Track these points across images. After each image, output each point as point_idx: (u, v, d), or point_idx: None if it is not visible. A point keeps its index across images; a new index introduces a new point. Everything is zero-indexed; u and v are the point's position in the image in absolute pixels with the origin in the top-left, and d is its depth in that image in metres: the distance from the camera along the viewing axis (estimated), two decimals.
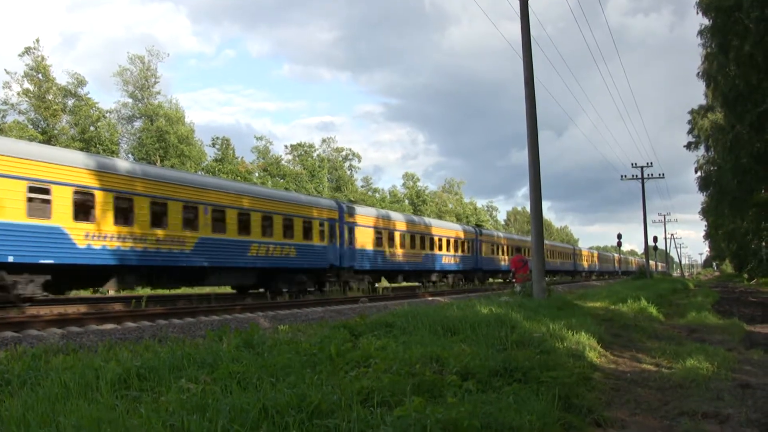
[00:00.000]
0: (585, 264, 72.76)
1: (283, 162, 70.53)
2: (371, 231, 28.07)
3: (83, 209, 15.41)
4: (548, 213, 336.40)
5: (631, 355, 9.45)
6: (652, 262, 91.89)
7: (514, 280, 21.33)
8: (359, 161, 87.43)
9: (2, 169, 13.82)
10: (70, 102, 48.69)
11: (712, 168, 51.42)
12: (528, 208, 18.30)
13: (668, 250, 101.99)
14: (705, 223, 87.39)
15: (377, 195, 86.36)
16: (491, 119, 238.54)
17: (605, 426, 5.49)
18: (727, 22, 31.90)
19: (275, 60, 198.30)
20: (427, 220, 37.24)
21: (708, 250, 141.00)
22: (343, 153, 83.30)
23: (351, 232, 26.48)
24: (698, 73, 39.62)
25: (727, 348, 10.30)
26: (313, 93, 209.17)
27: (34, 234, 14.12)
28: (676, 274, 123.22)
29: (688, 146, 54.76)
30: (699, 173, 54.26)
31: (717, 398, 6.59)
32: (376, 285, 29.87)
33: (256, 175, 64.98)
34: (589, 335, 9.39)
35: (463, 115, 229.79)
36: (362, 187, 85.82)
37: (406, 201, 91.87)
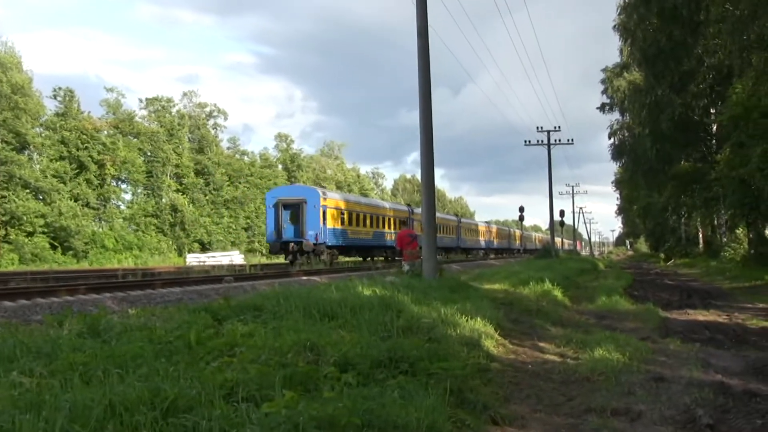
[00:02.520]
0: (481, 239, 74.99)
1: (137, 119, 68.57)
2: (337, 212, 39.04)
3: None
4: (441, 182, 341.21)
5: (533, 344, 9.95)
6: (558, 240, 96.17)
7: (400, 258, 22.07)
8: (225, 119, 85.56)
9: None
10: None
11: (627, 134, 54.22)
12: (419, 176, 18.79)
13: (576, 226, 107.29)
14: (618, 195, 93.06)
15: (246, 158, 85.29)
16: (379, 73, 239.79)
17: (503, 424, 5.72)
18: None
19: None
20: (379, 201, 47.94)
21: (621, 226, 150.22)
22: (207, 109, 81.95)
23: (324, 213, 37.09)
24: (614, 26, 40.77)
25: (640, 337, 10.92)
26: (173, 39, 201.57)
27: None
28: (585, 252, 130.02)
29: (602, 108, 57.25)
30: (612, 140, 57.06)
31: (628, 393, 6.93)
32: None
33: (105, 133, 62.53)
34: (485, 321, 9.95)
35: (347, 68, 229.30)
36: (229, 149, 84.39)
37: (279, 166, 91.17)
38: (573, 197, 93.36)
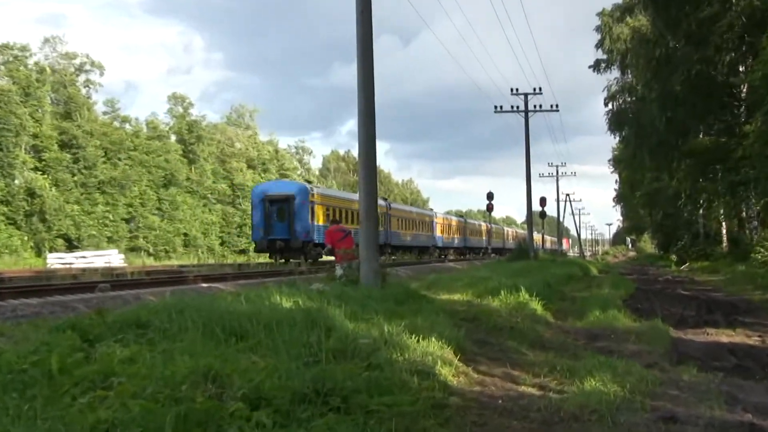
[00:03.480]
0: (438, 236, 75.73)
1: None
2: (324, 208, 46.18)
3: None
4: (386, 160, 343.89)
5: (505, 373, 10.07)
6: (537, 236, 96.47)
7: (324, 256, 22.46)
8: (101, 75, 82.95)
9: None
10: None
11: (629, 98, 54.91)
12: (356, 152, 18.91)
13: (562, 218, 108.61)
14: (617, 178, 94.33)
15: (128, 127, 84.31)
16: (304, 17, 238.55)
17: None
18: None
19: None
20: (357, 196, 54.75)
21: (620, 219, 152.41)
22: (77, 61, 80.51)
23: (312, 210, 44.06)
24: None
25: (644, 363, 10.99)
26: None
27: None
28: (573, 253, 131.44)
29: (596, 66, 57.91)
30: (610, 106, 57.70)
31: None
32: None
33: None
34: (442, 342, 10.10)
35: (263, 10, 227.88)
36: (105, 114, 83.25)
37: (173, 137, 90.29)
38: (558, 181, 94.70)
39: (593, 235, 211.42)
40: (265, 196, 43.45)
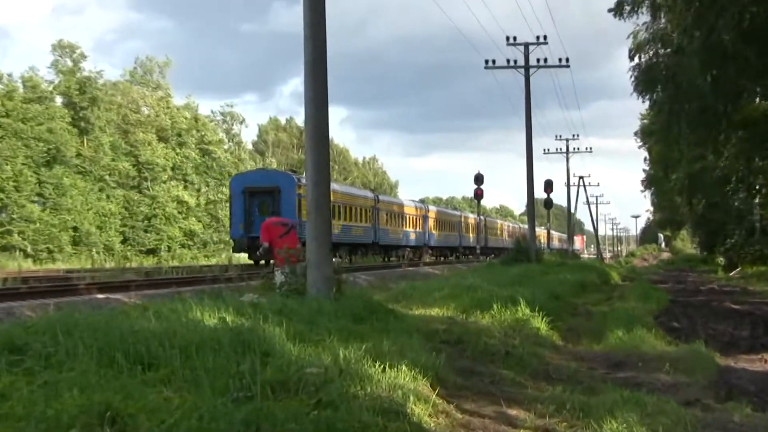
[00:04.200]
0: (409, 231, 76.55)
1: None
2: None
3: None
4: (341, 131, 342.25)
5: (498, 412, 10.13)
6: (541, 232, 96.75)
7: (264, 260, 22.58)
8: None
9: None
10: None
11: (662, 51, 54.79)
12: (301, 121, 18.99)
13: (574, 209, 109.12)
14: (646, 157, 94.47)
15: None
16: None
17: None
18: None
19: None
20: (348, 187, 62.45)
21: (650, 210, 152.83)
22: None
23: (299, 203, 47.22)
24: None
25: (682, 400, 11.00)
26: None
27: None
28: (588, 254, 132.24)
29: (618, 10, 57.54)
30: (637, 60, 57.46)
31: None
32: None
33: None
34: (416, 372, 10.19)
35: None
36: None
37: (59, 99, 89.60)
38: (568, 159, 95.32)
39: (615, 231, 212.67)
40: (246, 188, 48.05)
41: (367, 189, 76.74)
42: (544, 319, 19.24)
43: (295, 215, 45.63)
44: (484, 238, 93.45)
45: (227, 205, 60.33)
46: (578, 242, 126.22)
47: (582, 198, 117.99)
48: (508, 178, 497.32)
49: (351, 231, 61.51)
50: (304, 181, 51.98)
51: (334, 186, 59.20)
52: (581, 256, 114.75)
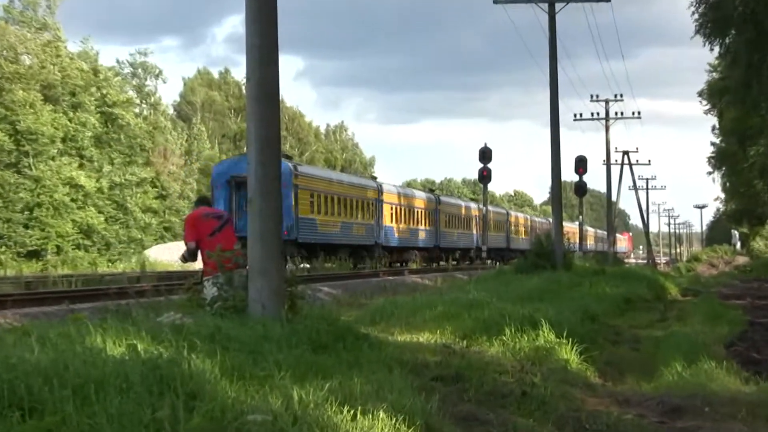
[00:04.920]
0: (392, 228, 77.22)
1: None
2: (309, 194, 59.20)
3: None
4: (296, 88, 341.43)
5: None
6: (570, 227, 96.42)
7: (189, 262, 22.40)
8: None
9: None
10: None
11: None
12: (239, 75, 18.99)
13: (616, 198, 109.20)
14: (714, 125, 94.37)
15: None
16: None
17: None
18: None
19: None
20: (346, 175, 71.60)
21: (720, 198, 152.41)
22: None
23: (296, 196, 54.47)
24: None
25: None
26: None
27: None
28: (635, 259, 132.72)
29: None
30: None
31: None
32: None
33: None
34: (398, 420, 10.20)
35: None
36: None
37: None
38: (608, 128, 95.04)
39: (672, 227, 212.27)
40: (231, 178, 50.74)
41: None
42: (575, 348, 19.33)
43: (291, 211, 49.14)
44: (505, 238, 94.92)
45: (138, 190, 60.97)
46: (623, 242, 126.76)
47: (627, 181, 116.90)
48: (525, 154, 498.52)
49: (351, 229, 64.94)
50: (303, 169, 55.87)
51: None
52: (626, 260, 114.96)
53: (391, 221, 76.48)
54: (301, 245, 52.19)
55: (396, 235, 75.77)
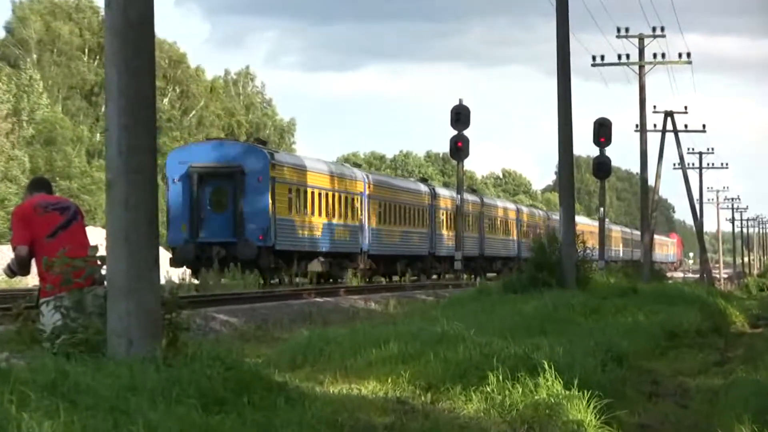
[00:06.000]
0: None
1: None
2: (294, 189, 67.13)
3: None
4: (176, 17, 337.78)
5: None
6: (587, 224, 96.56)
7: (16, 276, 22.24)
8: None
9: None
10: None
11: None
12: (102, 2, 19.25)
13: (654, 181, 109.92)
14: None
15: None
16: None
17: None
18: None
19: None
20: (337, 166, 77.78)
21: None
22: None
23: (273, 191, 60.46)
24: None
25: None
26: None
27: None
28: (681, 273, 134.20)
29: None
30: None
31: None
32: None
33: None
34: None
35: None
36: None
37: None
38: (642, 76, 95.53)
39: (739, 225, 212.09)
40: (192, 169, 52.56)
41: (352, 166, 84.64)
42: (593, 404, 19.40)
43: (269, 211, 51.94)
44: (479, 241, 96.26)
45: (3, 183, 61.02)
46: (668, 247, 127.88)
47: (671, 157, 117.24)
48: (520, 117, 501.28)
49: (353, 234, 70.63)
50: (282, 157, 59.91)
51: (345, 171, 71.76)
52: (672, 273, 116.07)
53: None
54: (279, 254, 54.53)
55: (384, 239, 79.90)
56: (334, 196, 67.75)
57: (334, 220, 68.10)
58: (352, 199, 72.10)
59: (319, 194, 61.63)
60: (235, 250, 49.59)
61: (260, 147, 58.43)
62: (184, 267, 55.55)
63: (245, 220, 50.80)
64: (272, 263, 52.55)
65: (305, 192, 60.28)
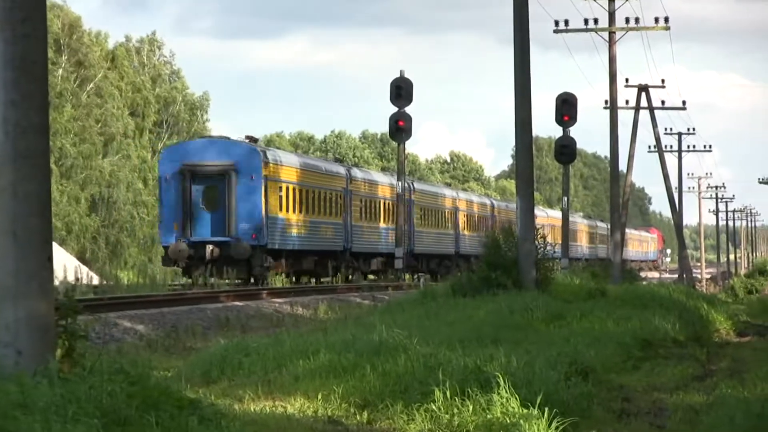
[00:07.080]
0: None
1: None
2: (289, 189, 76.76)
3: None
4: None
5: None
6: (547, 217, 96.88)
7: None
8: None
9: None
10: None
11: None
12: None
13: (626, 165, 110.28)
14: None
15: None
16: None
17: None
18: None
19: None
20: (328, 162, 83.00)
21: None
22: None
23: (266, 190, 71.62)
24: None
25: None
26: None
27: None
28: (657, 273, 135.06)
29: None
30: None
31: None
32: None
33: None
34: None
35: None
36: None
37: None
38: (612, 44, 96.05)
39: (724, 217, 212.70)
40: (185, 167, 58.62)
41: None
42: (555, 423, 19.47)
43: (260, 210, 57.59)
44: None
45: None
46: (647, 243, 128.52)
47: (645, 137, 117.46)
48: (471, 92, 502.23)
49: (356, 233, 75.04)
50: (275, 155, 64.88)
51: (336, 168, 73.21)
52: (647, 273, 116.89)
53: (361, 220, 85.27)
54: (272, 252, 58.84)
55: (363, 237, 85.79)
56: (319, 193, 75.66)
57: (329, 219, 76.12)
58: (329, 195, 77.76)
59: (314, 192, 69.45)
60: (228, 249, 55.15)
61: (252, 145, 63.17)
62: (176, 266, 60.84)
63: (238, 219, 56.19)
64: (264, 264, 56.84)
65: (298, 189, 68.17)
